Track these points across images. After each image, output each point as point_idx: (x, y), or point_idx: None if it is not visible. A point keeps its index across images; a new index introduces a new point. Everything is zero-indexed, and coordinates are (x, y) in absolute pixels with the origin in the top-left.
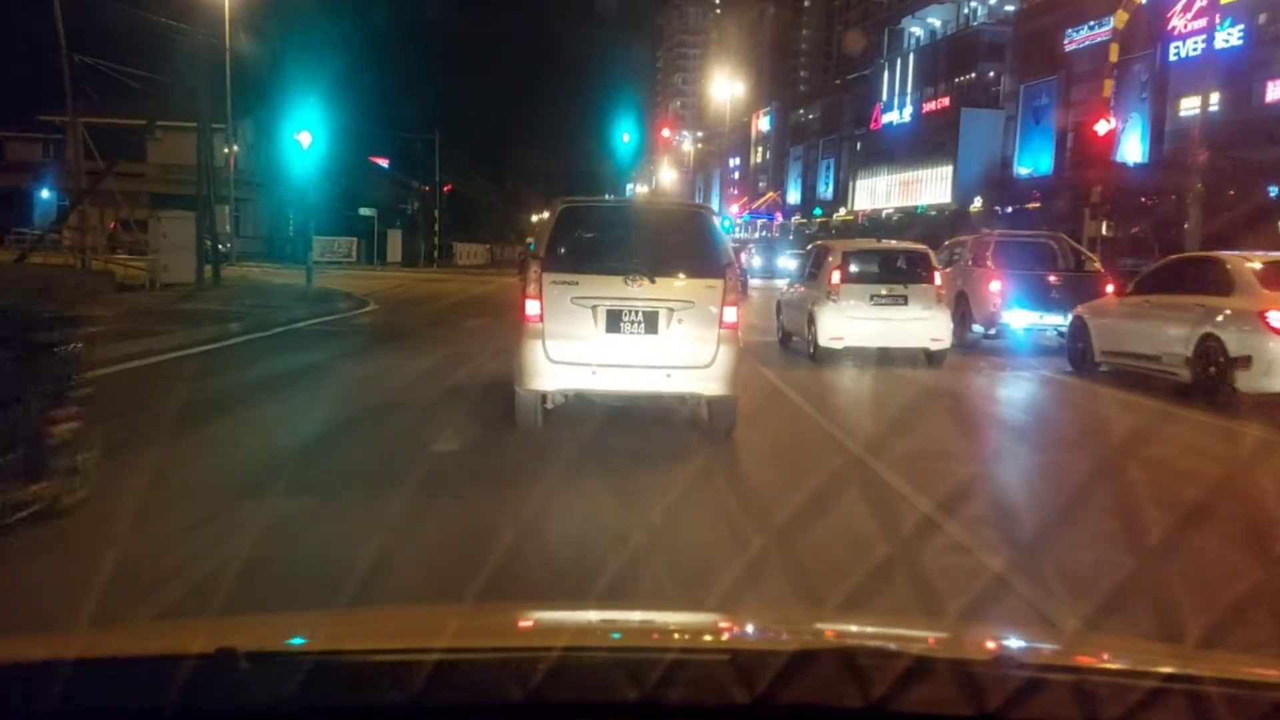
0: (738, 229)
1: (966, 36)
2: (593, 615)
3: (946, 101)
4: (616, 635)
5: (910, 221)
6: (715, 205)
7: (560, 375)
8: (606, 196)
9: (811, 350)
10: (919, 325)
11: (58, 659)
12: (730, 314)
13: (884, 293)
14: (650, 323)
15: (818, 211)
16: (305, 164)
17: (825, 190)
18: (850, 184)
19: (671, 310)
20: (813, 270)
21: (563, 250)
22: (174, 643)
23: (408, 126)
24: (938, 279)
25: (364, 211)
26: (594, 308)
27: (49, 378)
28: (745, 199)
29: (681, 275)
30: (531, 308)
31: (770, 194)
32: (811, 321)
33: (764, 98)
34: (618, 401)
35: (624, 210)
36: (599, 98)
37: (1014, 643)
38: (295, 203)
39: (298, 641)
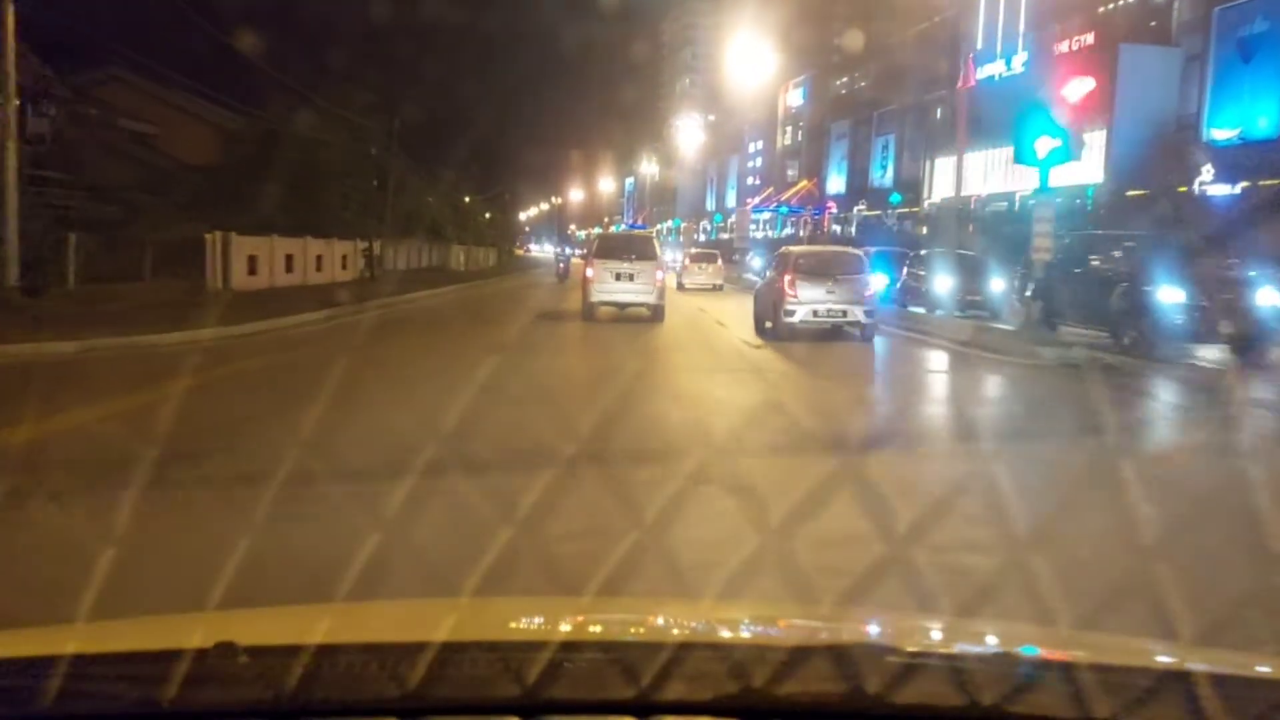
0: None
1: None
2: (589, 612)
3: (1091, 38)
4: (612, 632)
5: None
6: (735, 195)
7: (600, 295)
8: (616, 229)
9: (679, 287)
10: (714, 276)
11: (55, 654)
12: (659, 275)
13: (701, 265)
14: (631, 277)
15: (895, 198)
16: None
17: (881, 176)
18: (925, 165)
19: (639, 272)
20: (676, 256)
21: (599, 249)
22: (173, 637)
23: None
24: (719, 260)
25: None
26: (612, 270)
27: None
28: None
29: (642, 259)
30: (590, 272)
31: (804, 183)
32: (679, 275)
33: (793, 67)
34: (617, 308)
35: (622, 235)
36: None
37: (1010, 638)
38: None
39: (296, 636)
